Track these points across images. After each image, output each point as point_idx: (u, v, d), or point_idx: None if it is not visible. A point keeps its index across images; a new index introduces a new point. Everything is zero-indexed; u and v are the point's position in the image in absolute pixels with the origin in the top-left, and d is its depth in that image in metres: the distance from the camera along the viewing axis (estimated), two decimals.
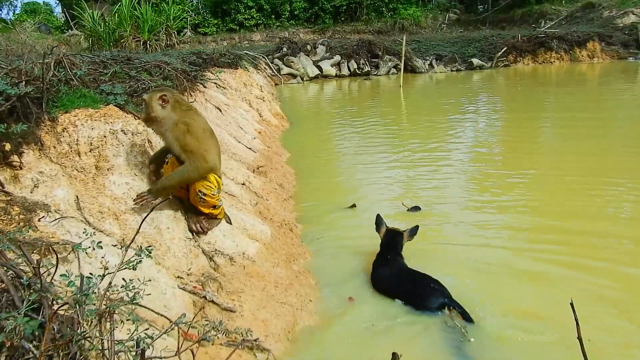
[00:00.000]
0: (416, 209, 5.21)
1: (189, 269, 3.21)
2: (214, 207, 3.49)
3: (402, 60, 18.69)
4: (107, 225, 3.08)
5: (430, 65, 22.94)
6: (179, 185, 3.35)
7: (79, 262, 2.64)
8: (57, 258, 2.03)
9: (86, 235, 2.98)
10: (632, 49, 23.70)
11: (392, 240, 4.06)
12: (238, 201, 4.36)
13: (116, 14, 22.90)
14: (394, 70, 22.55)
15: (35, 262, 1.82)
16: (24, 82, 3.32)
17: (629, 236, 4.37)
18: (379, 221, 4.20)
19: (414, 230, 4.09)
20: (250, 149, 6.52)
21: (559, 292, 3.51)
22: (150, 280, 2.98)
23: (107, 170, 3.36)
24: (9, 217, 2.72)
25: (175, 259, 3.21)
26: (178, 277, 3.13)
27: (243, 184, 4.82)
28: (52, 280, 1.93)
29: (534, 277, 3.76)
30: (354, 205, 5.35)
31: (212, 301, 3.07)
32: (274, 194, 5.19)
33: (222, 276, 3.28)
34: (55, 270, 2.04)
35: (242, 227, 3.82)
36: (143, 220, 2.06)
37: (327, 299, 3.59)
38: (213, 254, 3.38)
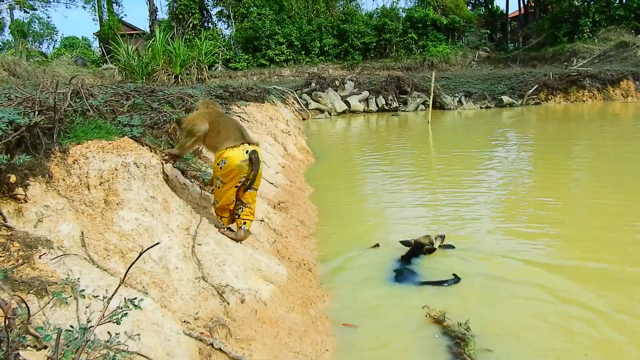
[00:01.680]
0: (448, 246, 4.97)
1: (197, 313, 3.01)
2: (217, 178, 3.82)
3: (431, 97, 18.55)
4: (112, 264, 2.91)
5: (459, 102, 22.75)
6: (184, 146, 4.02)
7: (77, 305, 2.47)
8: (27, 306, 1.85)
9: (89, 275, 2.82)
10: None
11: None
12: (255, 239, 4.16)
13: (150, 49, 23.52)
14: (422, 106, 22.43)
15: (10, 309, 1.63)
16: (36, 111, 3.23)
17: None
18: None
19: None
20: (272, 183, 6.37)
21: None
22: (154, 325, 2.79)
23: (117, 205, 3.21)
24: (8, 253, 2.56)
25: (183, 302, 3.01)
26: (184, 321, 2.93)
27: (262, 221, 4.63)
28: (28, 332, 1.74)
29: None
30: (377, 245, 5.10)
31: (220, 349, 2.85)
32: (294, 231, 4.99)
33: (231, 321, 3.06)
34: (43, 312, 1.86)
35: (256, 267, 3.61)
36: (137, 258, 1.88)
37: (345, 348, 3.33)
38: (223, 297, 3.17)
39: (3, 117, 2.98)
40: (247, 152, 3.80)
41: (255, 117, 9.57)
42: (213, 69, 31.68)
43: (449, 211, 6.44)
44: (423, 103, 22.41)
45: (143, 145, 3.71)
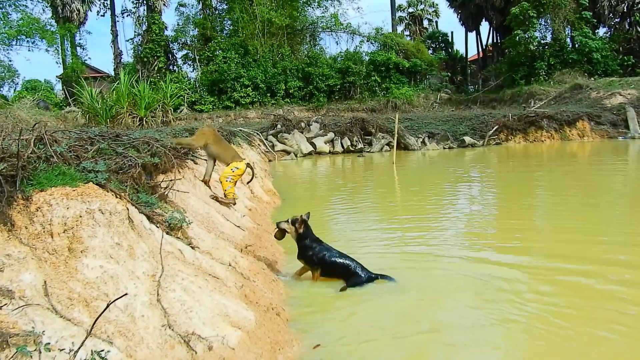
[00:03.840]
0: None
1: None
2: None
3: (395, 138, 18.92)
4: (76, 313, 2.85)
5: (423, 142, 23.27)
6: (186, 143, 7.19)
7: (39, 357, 2.41)
8: None
9: (53, 325, 2.75)
10: (620, 129, 24.17)
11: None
12: (222, 284, 4.13)
13: (114, 91, 23.45)
14: (387, 147, 22.84)
15: None
16: None
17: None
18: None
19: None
20: (239, 227, 6.35)
21: None
22: None
23: (81, 252, 3.17)
24: None
25: (149, 351, 2.96)
26: None
27: (229, 265, 4.61)
28: None
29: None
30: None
31: None
32: (261, 274, 4.97)
33: None
34: None
35: (224, 313, 3.58)
36: (104, 309, 1.87)
37: None
38: (190, 345, 3.13)
39: None
40: (247, 163, 7.18)
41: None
42: (178, 111, 31.77)
43: (415, 248, 6.52)
44: (388, 144, 22.83)
45: (108, 191, 3.69)
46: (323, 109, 35.38)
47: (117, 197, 3.72)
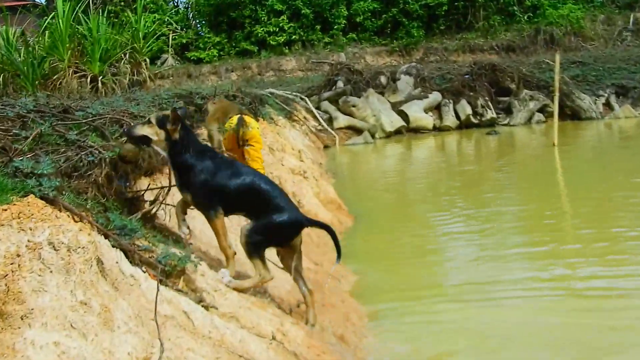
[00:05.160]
0: None
1: None
2: None
3: (555, 99, 18.31)
4: None
5: (607, 105, 22.53)
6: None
7: None
8: None
9: None
10: None
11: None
12: None
13: (46, 32, 23.47)
14: (539, 115, 22.29)
15: None
16: None
17: None
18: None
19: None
20: (283, 268, 6.24)
21: None
22: None
23: (22, 319, 3.14)
24: None
25: None
26: None
27: (272, 338, 4.47)
28: None
29: None
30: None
31: None
32: (328, 355, 4.79)
33: None
34: None
35: None
36: None
37: None
38: None
39: None
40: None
41: None
42: (159, 62, 31.89)
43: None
44: (541, 109, 22.30)
45: (61, 210, 3.69)
46: (418, 51, 34.93)
47: (75, 220, 3.67)
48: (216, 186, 5.05)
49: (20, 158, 3.98)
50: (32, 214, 3.28)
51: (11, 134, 4.56)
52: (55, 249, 3.26)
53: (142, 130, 5.11)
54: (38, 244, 3.22)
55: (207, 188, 5.04)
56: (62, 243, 3.30)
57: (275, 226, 5.03)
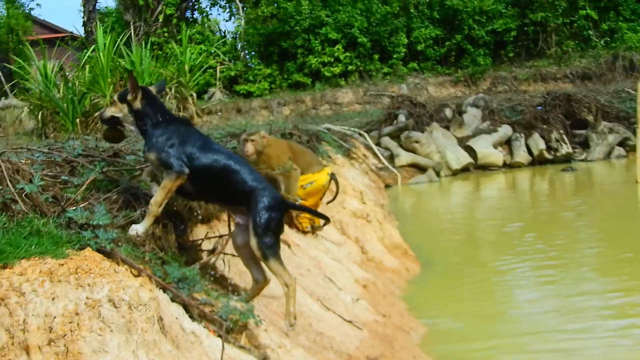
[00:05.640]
0: None
1: None
2: None
3: (638, 132, 18.31)
4: None
5: None
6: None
7: None
8: None
9: None
10: None
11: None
12: None
13: (87, 67, 23.93)
14: (619, 149, 22.22)
15: None
16: None
17: None
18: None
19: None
20: (350, 321, 6.38)
21: None
22: None
23: None
24: None
25: None
26: None
27: None
28: None
29: None
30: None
31: None
32: None
33: None
34: None
35: None
36: None
37: None
38: None
39: None
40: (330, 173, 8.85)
41: None
42: (206, 97, 32.14)
43: None
44: (621, 143, 22.24)
45: (119, 263, 3.79)
46: (485, 80, 34.84)
47: (134, 275, 3.82)
48: (185, 155, 5.15)
49: (73, 207, 4.17)
50: (90, 269, 3.42)
51: (60, 180, 4.78)
52: (115, 307, 3.39)
53: (109, 112, 5.49)
54: (97, 301, 3.36)
55: (171, 153, 5.13)
56: (123, 300, 3.42)
57: (272, 213, 5.13)
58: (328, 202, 9.30)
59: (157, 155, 5.15)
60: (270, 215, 5.11)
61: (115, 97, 5.49)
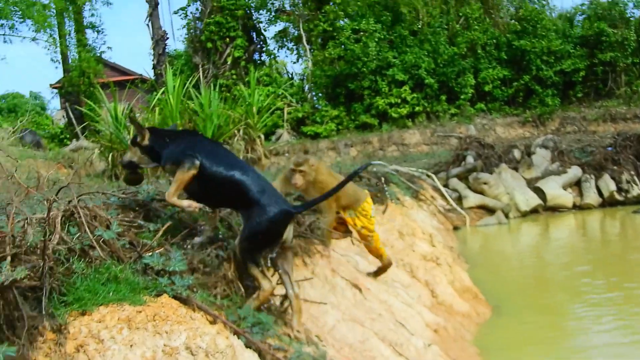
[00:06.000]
0: None
1: None
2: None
3: None
4: None
5: None
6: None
7: None
8: None
9: None
10: None
11: None
12: None
13: (156, 109, 24.17)
14: None
15: None
16: (8, 258, 3.41)
17: None
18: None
19: None
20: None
21: None
22: None
23: None
24: None
25: None
26: None
27: None
28: None
29: None
30: None
31: None
32: None
33: None
34: None
35: None
36: None
37: None
38: None
39: None
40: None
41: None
42: (274, 138, 32.33)
43: None
44: None
45: (195, 310, 3.81)
46: (554, 121, 34.65)
47: (210, 321, 3.83)
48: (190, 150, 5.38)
49: (150, 253, 4.20)
50: (168, 316, 3.47)
51: (136, 224, 4.85)
52: (192, 354, 3.41)
53: (127, 157, 5.85)
54: (175, 349, 3.39)
55: (182, 149, 5.42)
56: (200, 347, 3.44)
57: (260, 225, 5.14)
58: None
59: (170, 161, 5.45)
60: (262, 225, 5.17)
61: (129, 143, 5.79)
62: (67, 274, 3.66)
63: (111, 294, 3.58)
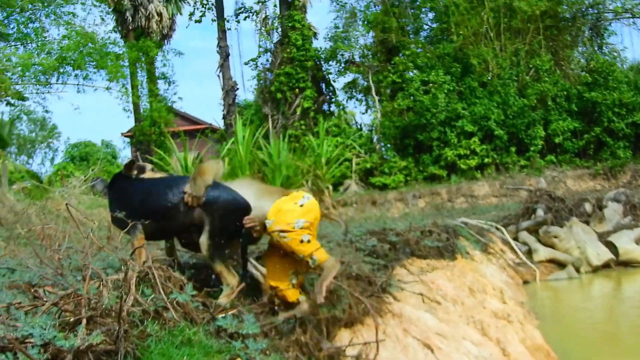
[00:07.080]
0: None
1: None
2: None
3: None
4: None
5: None
6: None
7: None
8: None
9: None
10: None
11: None
12: None
13: (226, 159, 24.39)
14: None
15: None
16: (84, 321, 3.42)
17: None
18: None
19: None
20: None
21: None
22: None
23: None
24: None
25: None
26: None
27: None
28: None
29: None
30: None
31: None
32: None
33: None
34: None
35: None
36: None
37: None
38: None
39: (33, 334, 3.18)
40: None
41: (442, 290, 9.62)
42: (342, 189, 32.37)
43: None
44: None
45: None
46: (625, 173, 34.20)
47: None
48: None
49: (222, 315, 4.24)
50: None
51: (205, 281, 4.94)
52: None
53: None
54: None
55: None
56: None
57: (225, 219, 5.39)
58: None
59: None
60: (224, 221, 5.41)
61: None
62: (141, 336, 3.65)
63: (185, 358, 3.57)
